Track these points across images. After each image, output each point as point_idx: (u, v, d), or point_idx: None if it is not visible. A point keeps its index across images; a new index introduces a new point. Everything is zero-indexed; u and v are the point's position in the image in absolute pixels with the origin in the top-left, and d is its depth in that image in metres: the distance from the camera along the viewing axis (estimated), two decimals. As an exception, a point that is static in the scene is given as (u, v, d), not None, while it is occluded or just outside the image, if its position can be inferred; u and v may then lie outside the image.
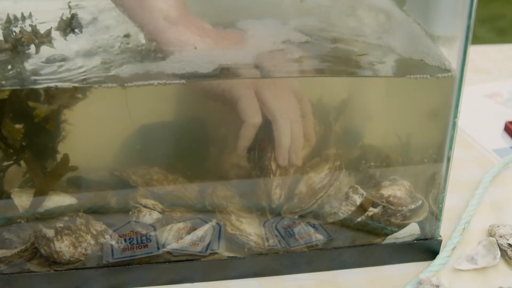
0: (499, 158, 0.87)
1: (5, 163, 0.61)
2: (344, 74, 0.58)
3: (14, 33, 0.61)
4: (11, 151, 0.59)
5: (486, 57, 1.25)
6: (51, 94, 0.53)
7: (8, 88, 0.51)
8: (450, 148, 0.60)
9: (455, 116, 0.59)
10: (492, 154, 0.88)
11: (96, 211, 0.63)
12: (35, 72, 0.53)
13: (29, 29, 0.62)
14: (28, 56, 0.57)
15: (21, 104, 0.57)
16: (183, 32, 0.56)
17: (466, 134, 0.93)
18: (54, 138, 0.61)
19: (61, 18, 0.66)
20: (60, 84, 0.50)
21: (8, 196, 0.60)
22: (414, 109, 0.64)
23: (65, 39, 0.64)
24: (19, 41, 0.60)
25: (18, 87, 0.52)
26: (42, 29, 0.61)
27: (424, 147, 0.64)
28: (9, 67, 0.53)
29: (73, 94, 0.53)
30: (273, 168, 0.61)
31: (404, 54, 0.60)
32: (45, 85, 0.50)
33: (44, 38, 0.62)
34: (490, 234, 0.70)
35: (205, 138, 0.66)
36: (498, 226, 0.70)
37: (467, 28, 0.55)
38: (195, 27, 0.57)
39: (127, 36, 0.61)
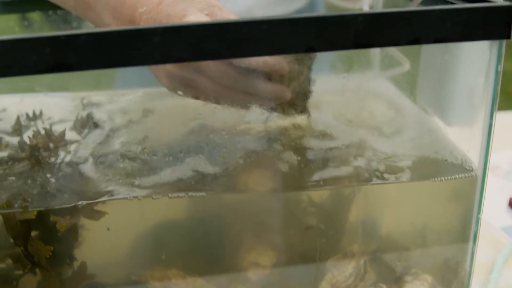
0: (508, 237, 0.86)
1: (19, 272, 0.59)
2: (366, 182, 0.58)
3: (28, 139, 0.60)
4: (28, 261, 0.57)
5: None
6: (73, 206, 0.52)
7: (35, 209, 0.49)
8: (474, 243, 0.60)
9: (479, 212, 0.59)
10: (500, 233, 0.88)
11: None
12: (57, 186, 0.51)
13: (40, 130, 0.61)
14: (48, 165, 0.56)
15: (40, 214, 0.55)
16: None
17: (473, 212, 0.93)
18: (71, 244, 0.59)
19: (77, 117, 0.65)
20: (84, 202, 0.49)
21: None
22: (435, 204, 0.63)
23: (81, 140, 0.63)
24: (35, 148, 0.58)
25: (43, 208, 0.50)
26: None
27: (447, 241, 0.63)
28: (31, 181, 0.52)
29: (96, 208, 0.52)
30: None
31: (425, 154, 0.60)
32: (71, 204, 0.49)
33: (59, 142, 0.61)
34: (512, 324, 0.69)
35: (221, 236, 0.65)
36: (519, 316, 0.69)
37: (489, 127, 0.55)
38: None
39: (144, 140, 0.60)
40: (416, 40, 0.49)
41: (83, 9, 0.62)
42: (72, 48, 0.44)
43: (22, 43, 0.44)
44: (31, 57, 0.44)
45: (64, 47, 0.44)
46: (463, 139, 0.61)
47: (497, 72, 0.53)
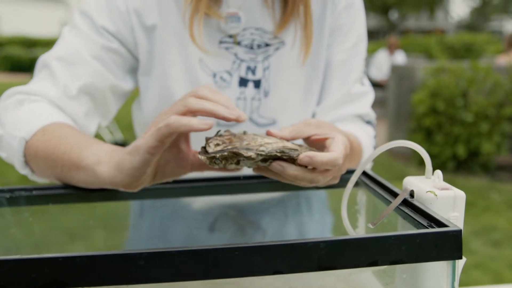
0: None
1: None
2: None
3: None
4: None
5: None
6: None
7: None
8: None
9: None
10: None
11: None
12: None
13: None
14: None
15: None
16: None
17: None
18: None
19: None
20: None
21: None
22: None
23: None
24: None
25: None
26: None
27: None
28: None
29: None
30: None
31: None
32: None
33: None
34: None
35: None
36: None
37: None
38: None
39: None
40: (374, 262, 0.55)
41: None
42: (68, 269, 0.51)
43: (23, 262, 0.51)
44: (31, 275, 0.51)
45: (60, 267, 0.51)
46: None
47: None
